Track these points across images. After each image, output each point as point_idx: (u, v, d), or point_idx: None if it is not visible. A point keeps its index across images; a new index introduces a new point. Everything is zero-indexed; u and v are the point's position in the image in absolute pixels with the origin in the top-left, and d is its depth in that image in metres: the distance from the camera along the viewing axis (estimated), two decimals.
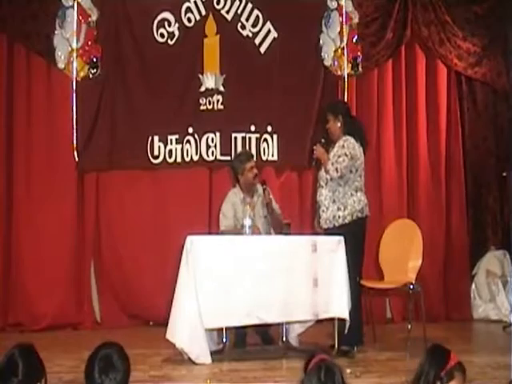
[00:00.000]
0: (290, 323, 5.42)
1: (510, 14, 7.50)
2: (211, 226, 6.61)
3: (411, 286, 5.53)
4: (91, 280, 6.82)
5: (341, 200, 5.34)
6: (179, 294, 4.86)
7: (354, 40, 7.18)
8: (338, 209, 5.33)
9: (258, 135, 6.96)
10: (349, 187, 5.36)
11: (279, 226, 5.71)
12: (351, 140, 5.38)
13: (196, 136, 6.86)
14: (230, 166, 6.32)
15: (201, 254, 4.90)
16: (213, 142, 6.87)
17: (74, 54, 6.68)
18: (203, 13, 6.94)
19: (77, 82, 6.70)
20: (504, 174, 7.08)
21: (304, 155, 6.91)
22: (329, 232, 5.34)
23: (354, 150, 5.36)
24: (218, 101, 6.91)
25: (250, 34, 7.02)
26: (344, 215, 5.32)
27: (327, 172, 5.33)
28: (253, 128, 6.95)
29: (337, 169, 5.28)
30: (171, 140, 6.82)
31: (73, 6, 6.68)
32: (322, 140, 5.51)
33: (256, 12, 7.02)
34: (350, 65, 7.16)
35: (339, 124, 5.47)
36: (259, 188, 5.84)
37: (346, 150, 5.32)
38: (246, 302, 4.92)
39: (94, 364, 2.59)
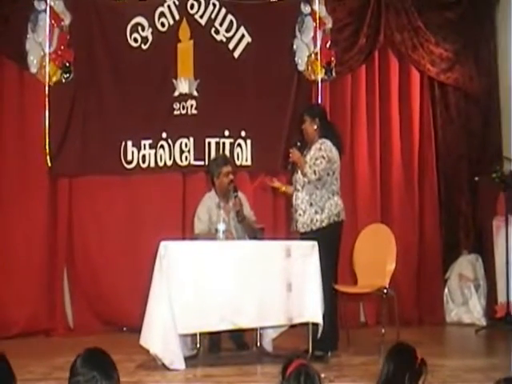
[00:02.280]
0: (264, 328, 5.41)
1: (481, 19, 7.59)
2: (185, 231, 6.59)
3: (385, 291, 5.55)
4: (64, 286, 6.77)
5: (318, 203, 5.33)
6: (153, 300, 4.83)
7: (328, 45, 7.19)
8: (316, 212, 5.32)
9: (231, 140, 6.95)
10: (326, 190, 5.36)
11: (252, 233, 5.70)
12: (328, 143, 5.39)
13: (170, 141, 6.83)
14: (206, 169, 6.32)
15: (174, 260, 4.88)
16: (186, 146, 6.85)
17: (47, 59, 6.63)
18: (177, 17, 6.92)
19: (49, 86, 6.65)
20: (476, 179, 7.13)
21: (278, 160, 6.92)
22: (305, 236, 5.33)
23: (331, 152, 5.36)
24: (191, 106, 6.90)
25: (224, 39, 7.02)
26: (321, 219, 5.32)
27: (305, 175, 5.33)
28: (227, 133, 6.94)
29: (315, 171, 5.28)
30: (145, 145, 6.79)
31: (45, 10, 6.63)
32: (298, 143, 5.51)
33: (230, 17, 7.02)
34: (323, 70, 7.17)
35: (315, 126, 5.47)
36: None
37: (323, 153, 5.32)
38: (220, 307, 4.90)
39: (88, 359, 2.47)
